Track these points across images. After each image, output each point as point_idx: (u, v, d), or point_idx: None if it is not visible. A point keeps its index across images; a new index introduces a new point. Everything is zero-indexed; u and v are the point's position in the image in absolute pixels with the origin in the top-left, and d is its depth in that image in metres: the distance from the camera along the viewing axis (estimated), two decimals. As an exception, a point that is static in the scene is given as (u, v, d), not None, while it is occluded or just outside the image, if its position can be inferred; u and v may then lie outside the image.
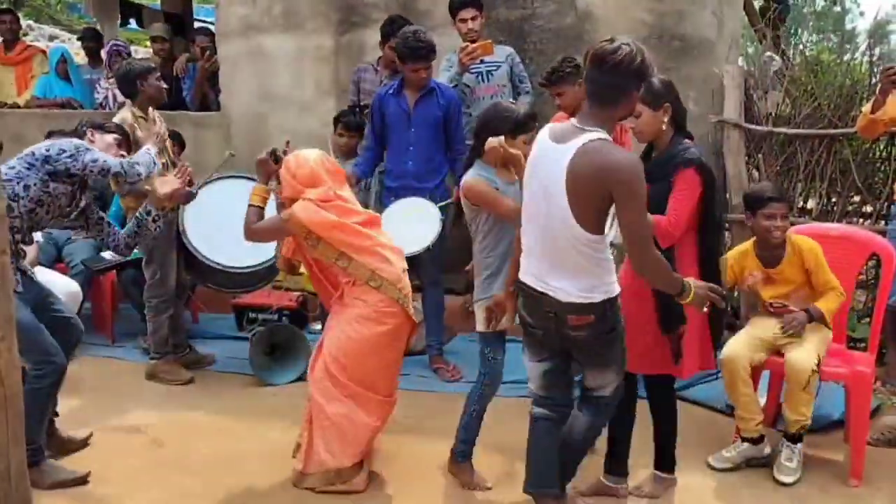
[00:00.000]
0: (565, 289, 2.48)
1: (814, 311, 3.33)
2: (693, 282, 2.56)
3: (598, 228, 2.42)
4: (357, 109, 4.96)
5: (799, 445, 3.29)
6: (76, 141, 3.34)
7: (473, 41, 4.51)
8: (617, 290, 2.55)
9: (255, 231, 3.25)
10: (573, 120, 2.47)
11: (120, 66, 4.61)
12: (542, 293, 2.53)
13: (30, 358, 3.01)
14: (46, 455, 3.23)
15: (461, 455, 3.25)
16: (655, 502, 3.12)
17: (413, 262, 4.28)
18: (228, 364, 4.67)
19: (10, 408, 2.06)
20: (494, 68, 4.77)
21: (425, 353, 4.58)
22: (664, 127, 2.93)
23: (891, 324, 3.96)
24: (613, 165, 2.33)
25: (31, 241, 3.41)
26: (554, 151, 2.43)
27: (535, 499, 2.83)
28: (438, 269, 4.50)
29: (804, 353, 3.20)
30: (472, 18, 4.63)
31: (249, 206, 3.24)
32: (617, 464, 3.14)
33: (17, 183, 3.13)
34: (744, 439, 3.38)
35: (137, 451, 3.55)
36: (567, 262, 2.47)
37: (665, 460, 3.18)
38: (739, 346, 3.36)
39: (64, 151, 3.20)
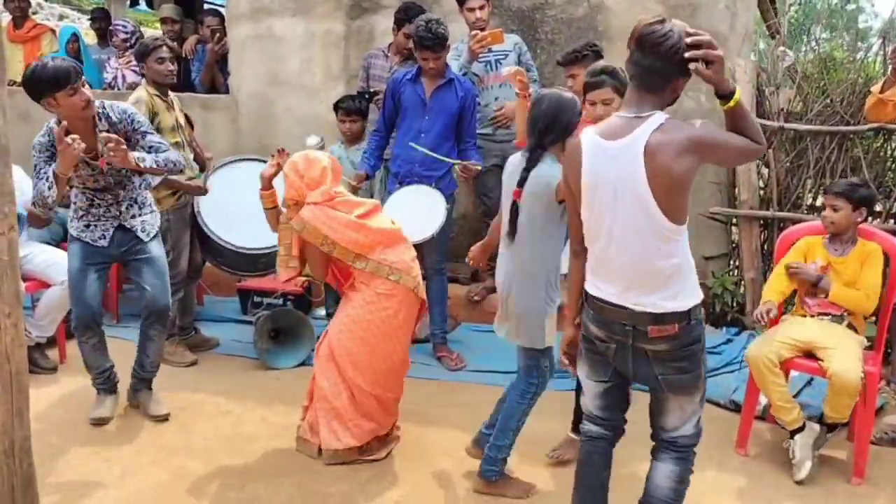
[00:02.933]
0: (646, 297, 2.24)
1: (824, 283, 3.45)
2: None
3: (683, 217, 2.20)
4: (367, 95, 4.94)
5: (830, 435, 3.40)
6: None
7: (482, 30, 4.49)
8: (701, 294, 2.31)
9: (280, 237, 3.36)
10: (620, 114, 2.24)
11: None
12: (617, 305, 2.28)
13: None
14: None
15: (500, 474, 3.08)
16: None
17: (417, 250, 4.29)
18: (232, 347, 4.68)
19: (15, 384, 2.07)
20: (503, 57, 4.75)
21: (429, 341, 4.58)
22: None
23: (897, 324, 3.95)
24: (693, 136, 2.11)
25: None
26: (614, 149, 2.19)
27: None
28: (442, 258, 4.49)
29: (849, 363, 3.18)
30: (480, 7, 4.61)
31: (267, 210, 3.41)
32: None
33: None
34: (792, 434, 3.37)
35: (139, 431, 3.56)
36: (650, 267, 2.22)
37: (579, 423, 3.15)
38: (763, 344, 3.37)
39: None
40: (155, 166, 3.47)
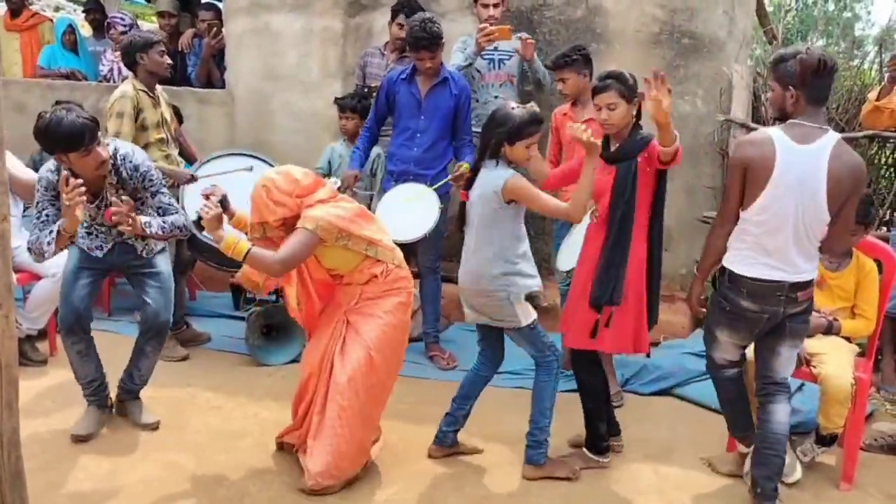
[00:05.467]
0: (802, 269, 2.82)
1: (836, 326, 3.41)
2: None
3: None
4: (366, 90, 4.94)
5: (823, 449, 3.39)
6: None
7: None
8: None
9: (289, 259, 2.91)
10: (804, 121, 2.75)
11: (126, 37, 4.55)
12: (777, 282, 2.82)
13: None
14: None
15: (546, 456, 3.22)
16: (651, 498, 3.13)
17: (411, 249, 4.29)
18: (224, 343, 4.67)
19: (5, 376, 2.05)
20: (507, 57, 4.75)
21: (421, 340, 4.58)
22: (633, 113, 3.11)
23: (888, 331, 3.97)
24: (861, 166, 2.78)
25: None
26: (801, 152, 2.72)
27: (741, 441, 3.25)
28: (436, 257, 4.48)
29: (840, 369, 3.20)
30: (495, 5, 4.63)
31: (248, 254, 2.87)
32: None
33: None
34: None
35: (129, 426, 3.55)
36: (805, 248, 2.82)
37: (592, 440, 3.29)
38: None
39: None
40: (160, 233, 3.36)
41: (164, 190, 3.49)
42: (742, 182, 2.83)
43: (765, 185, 2.77)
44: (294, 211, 2.97)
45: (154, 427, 3.54)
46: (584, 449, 3.32)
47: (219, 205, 2.98)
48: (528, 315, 3.11)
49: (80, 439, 3.37)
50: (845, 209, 2.78)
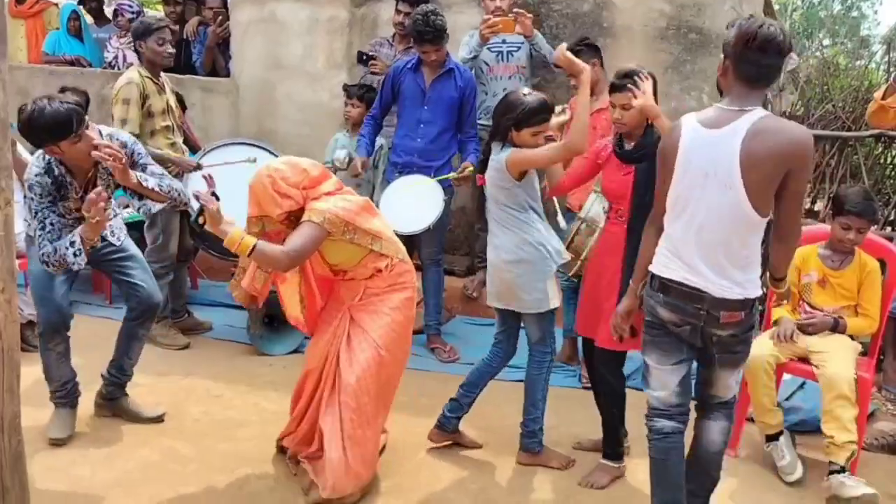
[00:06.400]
0: (724, 284, 2.36)
1: (841, 324, 3.37)
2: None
3: (769, 209, 2.32)
4: (368, 60, 4.92)
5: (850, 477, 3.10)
6: None
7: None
8: (760, 288, 2.46)
9: (297, 253, 2.79)
10: (721, 104, 2.36)
11: (135, 23, 4.54)
12: (694, 289, 2.39)
13: None
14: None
15: (541, 444, 3.26)
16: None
17: (414, 241, 4.28)
18: (225, 332, 4.67)
19: (7, 360, 2.05)
20: (515, 49, 4.73)
21: (423, 332, 4.57)
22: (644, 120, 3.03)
23: (892, 331, 3.96)
24: (798, 140, 2.25)
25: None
26: (712, 137, 2.31)
27: None
28: (439, 249, 4.48)
29: (842, 368, 3.17)
30: None
31: (254, 250, 2.73)
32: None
33: None
34: (769, 438, 3.36)
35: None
36: (730, 255, 2.35)
37: (611, 446, 3.21)
38: (762, 346, 3.34)
39: None
40: (157, 189, 3.24)
41: (153, 162, 3.39)
42: (664, 174, 2.49)
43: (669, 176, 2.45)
44: (300, 204, 2.86)
45: (160, 419, 3.49)
46: (603, 460, 3.21)
47: (214, 198, 2.81)
48: (553, 297, 3.13)
49: (59, 443, 3.24)
50: (787, 194, 2.29)
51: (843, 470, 3.06)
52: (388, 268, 3.00)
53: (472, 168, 4.16)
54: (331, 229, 2.83)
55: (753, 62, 2.27)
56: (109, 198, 3.12)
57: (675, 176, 2.39)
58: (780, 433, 3.36)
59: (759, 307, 2.44)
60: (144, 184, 3.20)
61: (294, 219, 2.89)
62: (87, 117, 3.10)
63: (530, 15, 4.46)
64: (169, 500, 2.89)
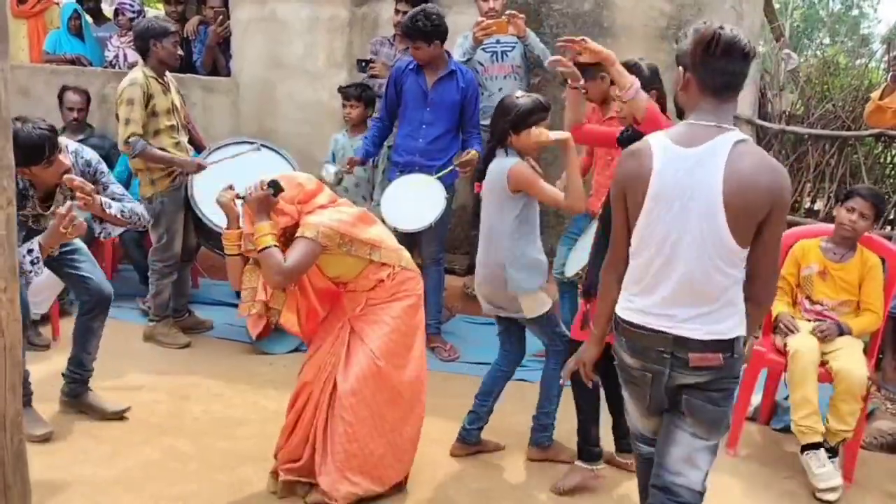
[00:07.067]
0: (693, 321, 2.05)
1: (845, 327, 3.38)
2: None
3: (748, 243, 2.03)
4: (367, 65, 4.94)
5: (836, 459, 3.23)
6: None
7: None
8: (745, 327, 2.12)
9: (293, 270, 2.72)
10: (692, 119, 2.08)
11: (142, 21, 4.57)
12: (656, 331, 2.09)
13: None
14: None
15: (551, 439, 3.29)
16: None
17: (415, 239, 4.29)
18: (226, 331, 4.67)
19: (9, 358, 2.06)
20: (509, 49, 4.73)
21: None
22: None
23: (891, 330, 3.97)
24: (783, 173, 2.02)
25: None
26: (684, 158, 2.02)
27: None
28: (440, 248, 4.49)
29: (854, 363, 3.18)
30: None
31: (265, 249, 2.69)
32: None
33: None
34: (806, 448, 3.25)
35: (131, 411, 3.55)
36: (703, 290, 2.04)
37: (582, 448, 3.14)
38: (806, 340, 3.34)
39: None
40: (119, 216, 3.27)
41: (115, 181, 3.43)
42: (625, 207, 2.16)
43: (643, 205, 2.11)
44: (295, 219, 2.81)
45: (125, 412, 3.47)
46: (578, 461, 3.14)
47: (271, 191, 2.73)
48: (543, 305, 3.14)
49: (46, 439, 3.24)
50: (766, 237, 2.02)
51: (830, 450, 3.22)
52: (391, 277, 2.93)
53: (475, 154, 4.16)
54: (326, 243, 2.75)
55: (718, 70, 2.01)
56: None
57: (647, 204, 2.08)
58: (821, 445, 3.24)
59: (741, 350, 2.10)
60: (108, 210, 3.22)
61: (289, 234, 2.83)
62: (59, 140, 3.09)
63: (522, 16, 4.45)
64: (170, 498, 2.90)
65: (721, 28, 2.00)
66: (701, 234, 2.01)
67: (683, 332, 2.05)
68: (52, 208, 3.24)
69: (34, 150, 2.94)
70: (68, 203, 3.03)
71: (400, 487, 3.02)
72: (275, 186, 2.73)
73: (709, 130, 2.02)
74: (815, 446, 3.23)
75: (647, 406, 2.20)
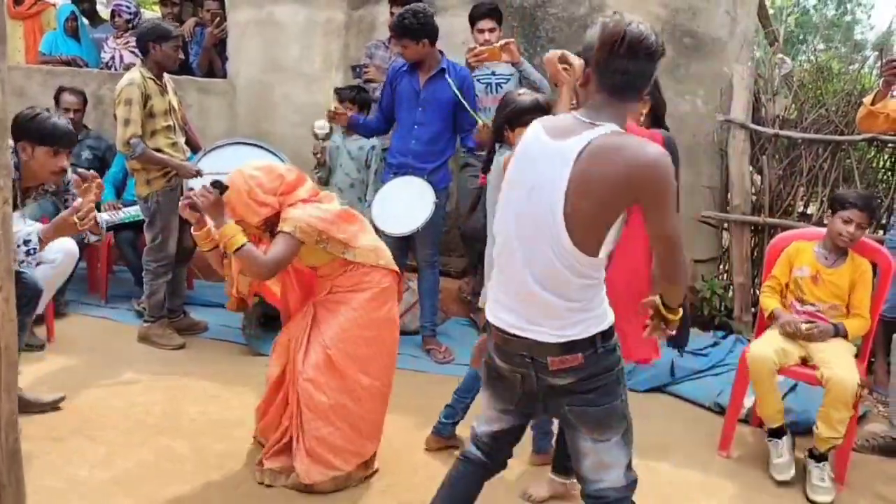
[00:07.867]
0: (542, 326, 1.96)
1: (842, 328, 3.41)
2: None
3: (597, 249, 1.92)
4: (362, 69, 4.96)
5: (826, 464, 3.24)
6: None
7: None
8: (611, 317, 2.02)
9: (276, 265, 2.81)
10: (577, 113, 1.98)
11: (147, 23, 4.59)
12: (513, 334, 2.01)
13: None
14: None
15: (550, 443, 3.25)
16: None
17: (409, 242, 4.31)
18: (221, 332, 4.67)
19: (4, 359, 2.06)
20: (504, 81, 4.69)
21: (418, 333, 4.59)
22: (642, 118, 2.94)
23: (882, 333, 3.99)
24: (640, 161, 1.84)
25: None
26: (550, 150, 1.92)
27: None
28: (435, 251, 4.50)
29: (844, 370, 3.18)
30: (490, 30, 4.61)
31: (241, 249, 2.74)
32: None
33: None
34: (772, 434, 3.37)
35: (126, 412, 3.55)
36: (542, 292, 1.95)
37: (556, 460, 3.07)
38: (766, 345, 3.37)
39: None
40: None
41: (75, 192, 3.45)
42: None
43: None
44: (276, 209, 2.87)
45: (60, 401, 3.47)
46: (551, 473, 3.06)
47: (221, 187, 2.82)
48: None
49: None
50: (650, 227, 1.92)
51: (821, 458, 3.24)
52: (356, 267, 3.00)
53: (487, 121, 4.11)
54: (303, 238, 2.83)
55: (619, 70, 1.89)
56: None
57: (503, 191, 2.01)
58: (784, 432, 3.36)
59: (610, 343, 2.00)
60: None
61: (271, 224, 2.91)
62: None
63: (512, 39, 4.40)
64: (165, 499, 2.90)
65: (629, 25, 1.87)
66: (543, 234, 1.91)
67: (536, 336, 1.97)
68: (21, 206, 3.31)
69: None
70: (79, 200, 3.13)
71: (368, 465, 3.11)
72: (218, 186, 2.80)
73: (580, 125, 1.91)
74: (778, 433, 3.34)
75: (514, 402, 2.15)
